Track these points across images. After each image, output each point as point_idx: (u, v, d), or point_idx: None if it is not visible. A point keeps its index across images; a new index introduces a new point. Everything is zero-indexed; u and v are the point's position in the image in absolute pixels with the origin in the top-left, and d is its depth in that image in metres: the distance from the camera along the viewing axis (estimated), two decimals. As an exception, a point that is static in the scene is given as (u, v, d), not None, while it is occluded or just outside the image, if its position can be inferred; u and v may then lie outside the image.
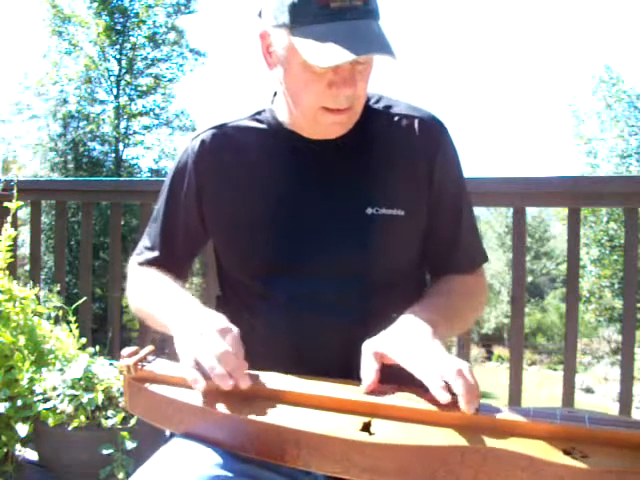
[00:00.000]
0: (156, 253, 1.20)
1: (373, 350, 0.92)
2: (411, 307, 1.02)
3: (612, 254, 17.12)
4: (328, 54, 0.91)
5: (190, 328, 0.93)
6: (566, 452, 0.75)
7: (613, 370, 17.30)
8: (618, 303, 16.26)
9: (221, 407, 0.86)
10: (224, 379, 0.85)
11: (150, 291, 1.13)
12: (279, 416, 0.84)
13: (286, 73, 1.02)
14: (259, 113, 1.15)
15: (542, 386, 16.17)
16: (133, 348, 0.98)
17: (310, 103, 1.02)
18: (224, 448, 0.87)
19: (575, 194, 1.95)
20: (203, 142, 1.14)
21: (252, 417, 0.83)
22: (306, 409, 0.86)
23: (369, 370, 0.90)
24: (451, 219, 1.16)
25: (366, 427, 0.81)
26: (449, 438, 0.79)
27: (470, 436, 0.79)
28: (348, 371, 0.94)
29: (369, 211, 1.07)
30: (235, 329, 0.92)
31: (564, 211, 12.75)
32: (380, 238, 1.07)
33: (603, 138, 18.51)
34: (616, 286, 16.71)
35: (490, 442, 0.77)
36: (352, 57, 0.91)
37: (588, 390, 17.32)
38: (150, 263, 1.20)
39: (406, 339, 0.92)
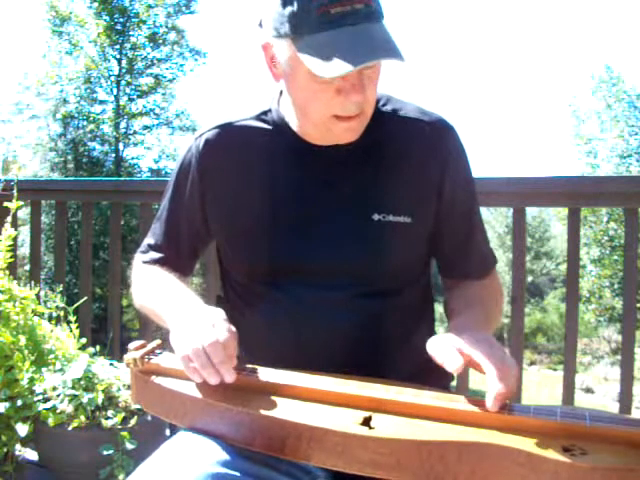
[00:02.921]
0: (160, 252, 1.21)
1: (454, 345, 0.88)
2: (454, 320, 1.03)
3: (612, 254, 17.13)
4: (333, 64, 0.90)
5: (185, 322, 0.93)
6: (566, 449, 0.75)
7: (613, 370, 17.30)
8: (618, 303, 16.24)
9: (225, 400, 0.86)
10: (211, 375, 0.86)
11: (153, 289, 1.13)
12: (282, 410, 0.84)
13: (292, 84, 1.01)
14: (265, 113, 1.13)
15: (542, 386, 16.16)
16: (140, 342, 0.99)
17: (320, 112, 1.00)
18: (227, 441, 0.87)
19: (575, 194, 1.95)
20: (207, 141, 1.13)
21: (256, 410, 0.84)
22: (308, 403, 0.86)
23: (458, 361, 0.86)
24: (464, 223, 1.16)
25: (366, 421, 0.81)
26: (447, 433, 0.79)
27: (468, 432, 0.79)
28: (350, 373, 0.94)
29: (376, 217, 1.06)
30: (224, 319, 0.92)
31: (564, 211, 12.75)
32: (386, 245, 1.06)
33: (603, 138, 18.52)
34: (616, 286, 16.72)
35: (488, 438, 0.77)
36: (357, 66, 0.90)
37: (588, 390, 17.30)
38: (155, 261, 1.20)
39: (470, 338, 0.90)
